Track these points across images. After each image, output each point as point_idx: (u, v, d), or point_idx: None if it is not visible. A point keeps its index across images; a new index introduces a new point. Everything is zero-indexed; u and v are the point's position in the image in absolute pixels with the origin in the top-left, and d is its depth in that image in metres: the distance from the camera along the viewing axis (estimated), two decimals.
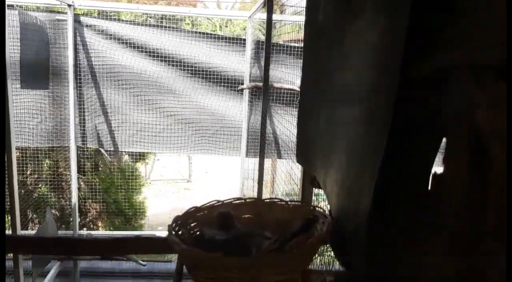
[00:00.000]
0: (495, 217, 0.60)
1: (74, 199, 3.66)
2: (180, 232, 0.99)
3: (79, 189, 3.86)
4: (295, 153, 1.38)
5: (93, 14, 3.45)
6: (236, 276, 0.79)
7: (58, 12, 3.31)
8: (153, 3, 6.21)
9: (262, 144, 2.87)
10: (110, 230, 5.03)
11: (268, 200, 1.14)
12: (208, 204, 1.09)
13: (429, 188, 0.83)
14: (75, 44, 3.28)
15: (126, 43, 3.35)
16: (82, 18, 3.31)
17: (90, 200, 4.67)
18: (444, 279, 0.79)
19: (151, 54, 3.38)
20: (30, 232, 3.59)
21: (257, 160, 3.24)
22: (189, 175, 8.68)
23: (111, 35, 3.35)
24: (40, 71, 3.13)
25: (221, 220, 1.00)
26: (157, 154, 7.32)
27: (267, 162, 3.44)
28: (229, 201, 1.12)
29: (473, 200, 0.62)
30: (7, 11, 2.78)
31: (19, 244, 1.02)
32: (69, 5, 3.17)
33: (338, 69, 0.98)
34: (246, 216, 1.12)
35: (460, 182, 0.63)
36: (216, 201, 1.10)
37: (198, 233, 1.04)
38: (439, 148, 0.77)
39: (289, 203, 1.11)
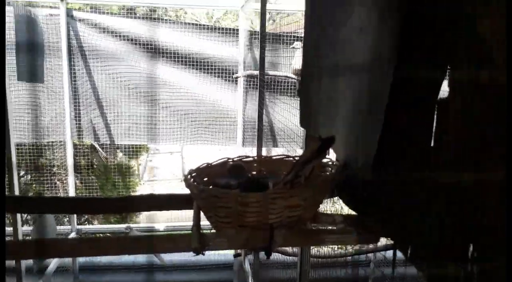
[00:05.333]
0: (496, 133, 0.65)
1: (72, 195, 3.65)
2: (195, 183, 1.02)
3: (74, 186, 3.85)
4: (299, 118, 1.42)
5: (85, 8, 3.46)
6: (253, 210, 0.83)
7: (51, 7, 3.33)
8: None
9: (259, 132, 2.91)
10: None
11: (276, 157, 1.18)
12: (219, 161, 1.13)
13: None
14: (69, 39, 3.30)
15: (119, 36, 3.37)
16: (74, 13, 3.32)
17: None
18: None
19: (145, 46, 3.41)
20: (28, 228, 3.56)
21: (253, 148, 3.27)
22: (182, 174, 8.65)
23: (104, 29, 3.37)
24: (36, 65, 3.15)
25: (234, 171, 1.04)
26: (149, 155, 7.30)
27: (263, 152, 3.48)
28: (239, 158, 1.16)
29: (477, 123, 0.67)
30: None
31: (35, 207, 1.04)
32: (61, 0, 3.19)
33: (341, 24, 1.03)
34: (255, 172, 1.16)
35: (463, 108, 0.68)
36: (226, 158, 1.14)
37: (211, 187, 1.08)
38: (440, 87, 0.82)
39: (296, 157, 1.15)
